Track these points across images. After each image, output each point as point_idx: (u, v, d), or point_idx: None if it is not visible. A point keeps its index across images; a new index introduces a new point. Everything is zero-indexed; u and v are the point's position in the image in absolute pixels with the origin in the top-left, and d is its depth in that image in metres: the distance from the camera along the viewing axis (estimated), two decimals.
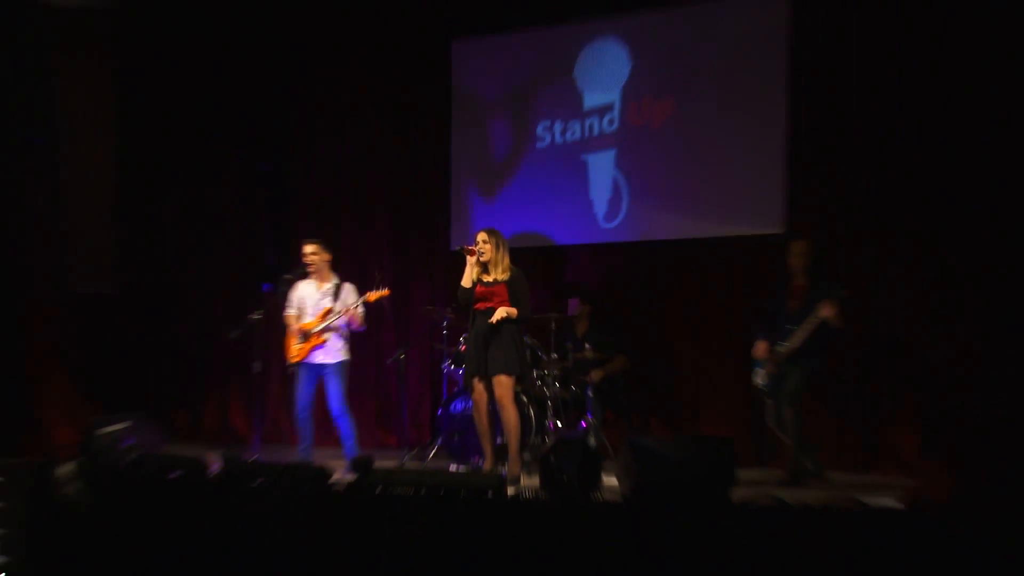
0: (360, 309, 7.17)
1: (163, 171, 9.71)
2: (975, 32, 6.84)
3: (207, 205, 9.68)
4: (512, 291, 6.60)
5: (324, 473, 6.09)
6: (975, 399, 6.71)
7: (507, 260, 6.66)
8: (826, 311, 6.40)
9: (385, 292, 7.12)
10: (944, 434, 6.74)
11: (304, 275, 7.39)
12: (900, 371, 7.19)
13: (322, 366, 7.24)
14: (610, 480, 5.97)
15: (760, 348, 6.83)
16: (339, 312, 7.14)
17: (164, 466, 6.62)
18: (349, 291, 7.29)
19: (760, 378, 6.82)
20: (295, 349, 7.25)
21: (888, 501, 5.54)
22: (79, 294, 8.66)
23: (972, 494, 5.20)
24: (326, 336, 7.19)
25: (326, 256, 7.35)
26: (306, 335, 7.20)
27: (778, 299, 6.86)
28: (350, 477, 6.00)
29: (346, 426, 7.31)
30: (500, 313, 6.50)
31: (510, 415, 6.58)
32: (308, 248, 7.33)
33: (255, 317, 7.43)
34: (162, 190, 9.71)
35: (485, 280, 6.66)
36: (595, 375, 7.66)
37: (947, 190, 7.01)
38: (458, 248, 7.00)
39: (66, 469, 7.16)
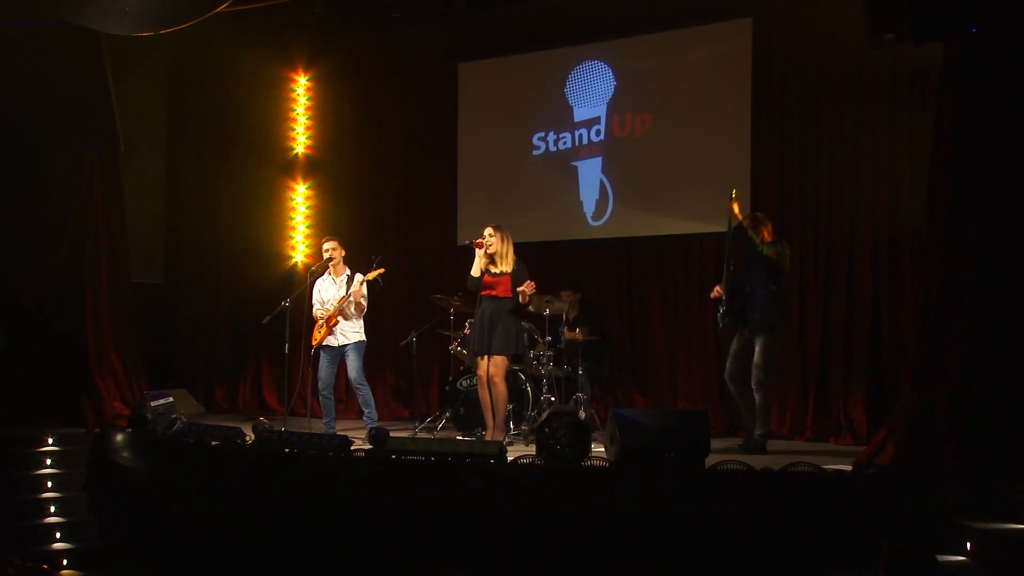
0: (364, 289, 7.12)
1: (205, 179, 9.66)
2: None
3: (241, 208, 9.64)
4: (514, 281, 6.60)
5: (346, 442, 6.11)
6: (915, 380, 6.71)
7: (512, 253, 6.66)
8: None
9: (381, 270, 7.09)
10: (888, 408, 6.74)
11: (324, 269, 7.40)
12: (853, 354, 7.18)
13: (342, 347, 7.23)
14: (598, 448, 6.00)
15: (716, 290, 6.67)
16: (349, 296, 7.14)
17: (205, 435, 6.67)
18: (358, 279, 7.28)
19: (719, 315, 6.68)
20: (317, 334, 7.28)
21: (840, 465, 5.58)
22: (133, 282, 8.69)
23: (910, 460, 5.21)
24: (341, 319, 7.18)
25: (342, 252, 7.35)
26: (325, 321, 7.22)
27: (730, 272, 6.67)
28: (369, 446, 6.03)
29: (365, 395, 7.28)
30: (530, 288, 6.51)
31: (500, 391, 6.59)
32: (327, 245, 7.34)
33: (284, 305, 7.42)
34: (204, 195, 9.68)
35: (492, 271, 6.66)
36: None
37: (892, 196, 7.06)
38: (467, 242, 6.96)
39: (120, 438, 7.20)
